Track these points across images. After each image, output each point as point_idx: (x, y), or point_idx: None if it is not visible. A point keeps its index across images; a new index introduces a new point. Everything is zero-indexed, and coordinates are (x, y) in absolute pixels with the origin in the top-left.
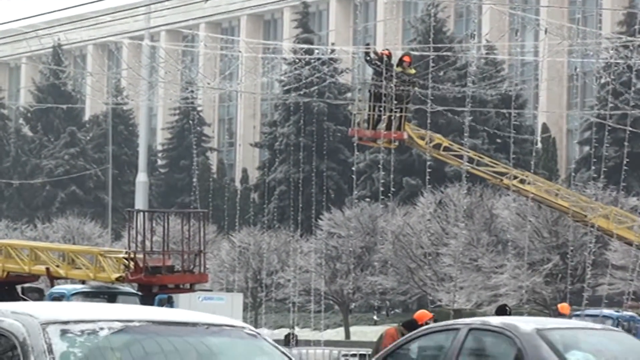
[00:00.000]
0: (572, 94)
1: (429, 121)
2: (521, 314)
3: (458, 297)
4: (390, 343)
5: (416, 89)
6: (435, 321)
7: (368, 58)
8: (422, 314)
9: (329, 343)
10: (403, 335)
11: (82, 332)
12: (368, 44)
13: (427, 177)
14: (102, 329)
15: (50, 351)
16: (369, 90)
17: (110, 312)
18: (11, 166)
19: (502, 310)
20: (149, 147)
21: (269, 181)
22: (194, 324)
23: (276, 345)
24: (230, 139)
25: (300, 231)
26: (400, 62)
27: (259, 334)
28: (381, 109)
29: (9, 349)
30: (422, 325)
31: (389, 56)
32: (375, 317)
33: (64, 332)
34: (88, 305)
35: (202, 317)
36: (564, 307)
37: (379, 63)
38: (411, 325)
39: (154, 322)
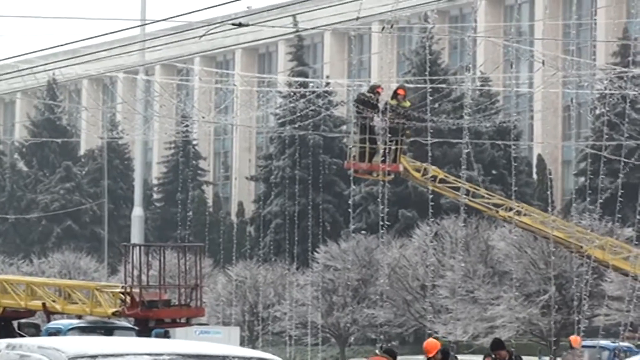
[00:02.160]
0: (567, 125)
1: (429, 154)
2: (518, 345)
3: (455, 329)
4: None
5: (413, 122)
6: (444, 351)
7: (363, 97)
8: (432, 344)
9: None
10: None
11: None
12: (366, 96)
13: (423, 209)
14: None
15: None
16: (360, 123)
17: (139, 346)
18: (6, 201)
19: (497, 345)
20: (144, 181)
21: (264, 214)
22: (224, 357)
23: None
24: (226, 172)
25: (296, 264)
26: (395, 95)
27: None
28: (377, 141)
29: None
30: (434, 356)
31: (379, 91)
32: (377, 352)
33: None
34: (117, 339)
35: (231, 350)
36: (575, 339)
37: (373, 96)
38: (391, 353)
39: (183, 355)
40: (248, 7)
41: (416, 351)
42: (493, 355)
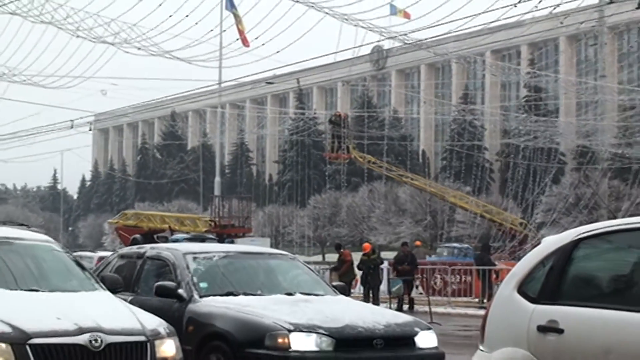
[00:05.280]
0: (438, 134)
1: (366, 149)
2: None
3: (379, 239)
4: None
5: (357, 132)
6: (373, 249)
7: (332, 119)
8: (366, 245)
9: (314, 263)
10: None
11: (204, 257)
12: (333, 118)
13: (364, 177)
14: (214, 256)
15: (188, 268)
16: (331, 133)
17: (218, 247)
18: (150, 173)
19: (403, 244)
20: (220, 164)
21: (282, 180)
22: (262, 253)
23: (305, 264)
24: (263, 159)
25: (299, 205)
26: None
27: (295, 257)
28: (339, 142)
29: (166, 267)
30: (368, 253)
31: (340, 115)
32: (342, 250)
33: (194, 258)
34: (207, 244)
35: (265, 249)
36: (418, 243)
37: (337, 118)
38: (339, 246)
39: (241, 252)
40: (274, 74)
41: (360, 250)
42: (402, 251)
